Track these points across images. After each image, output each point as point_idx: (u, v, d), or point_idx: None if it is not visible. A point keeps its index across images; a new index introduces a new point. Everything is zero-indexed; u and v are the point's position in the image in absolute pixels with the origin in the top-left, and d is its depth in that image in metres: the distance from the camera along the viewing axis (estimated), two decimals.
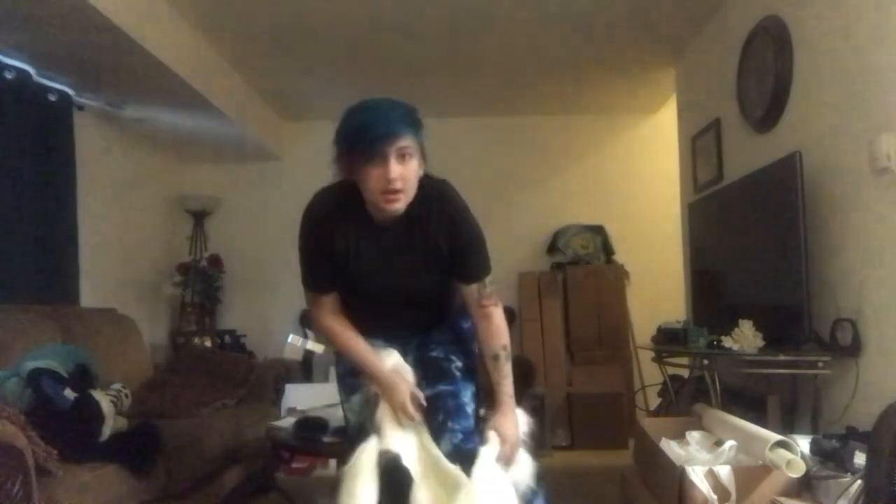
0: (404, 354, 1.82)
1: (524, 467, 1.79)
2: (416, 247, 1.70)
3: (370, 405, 1.74)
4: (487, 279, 1.78)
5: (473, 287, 1.77)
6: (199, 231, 5.41)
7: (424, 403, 1.74)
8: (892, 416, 1.67)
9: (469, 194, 1.81)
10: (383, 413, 1.73)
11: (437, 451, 1.69)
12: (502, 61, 4.47)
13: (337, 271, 1.73)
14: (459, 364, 1.86)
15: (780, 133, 3.09)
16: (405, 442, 1.70)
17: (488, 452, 1.70)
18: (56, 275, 3.59)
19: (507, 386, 1.79)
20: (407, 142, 1.56)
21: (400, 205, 1.60)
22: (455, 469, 1.64)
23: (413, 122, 1.59)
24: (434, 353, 1.87)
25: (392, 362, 1.77)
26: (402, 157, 1.56)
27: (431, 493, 1.64)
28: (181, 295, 5.17)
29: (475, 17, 3.80)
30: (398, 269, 1.73)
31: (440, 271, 1.75)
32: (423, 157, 1.64)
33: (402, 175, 1.55)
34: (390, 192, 1.56)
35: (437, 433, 1.73)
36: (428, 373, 1.83)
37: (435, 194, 1.70)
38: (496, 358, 1.80)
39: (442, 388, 1.80)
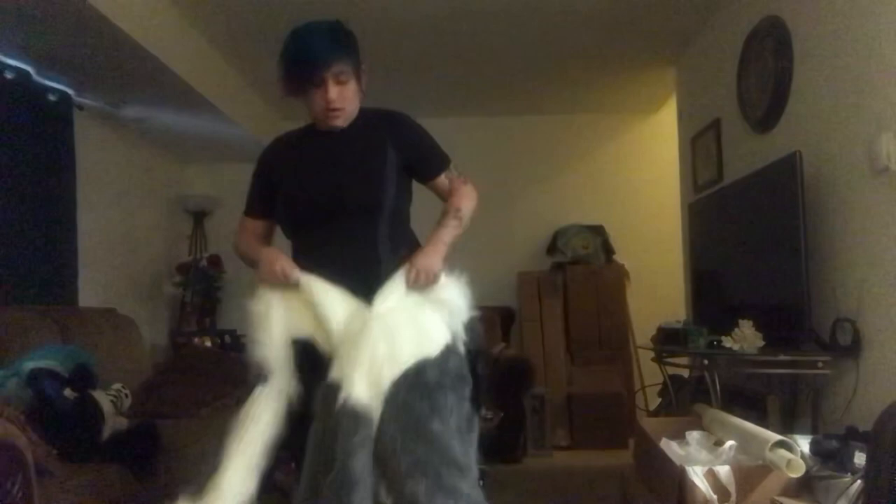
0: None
1: (451, 300, 1.70)
2: (358, 146, 1.79)
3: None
4: (452, 166, 1.87)
5: (443, 178, 1.86)
6: (198, 231, 5.40)
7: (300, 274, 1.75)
8: (892, 415, 1.67)
9: None
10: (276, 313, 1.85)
11: (345, 297, 1.67)
12: (502, 61, 4.47)
13: (275, 198, 1.82)
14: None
15: (780, 133, 3.09)
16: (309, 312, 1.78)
17: (393, 282, 1.67)
18: (56, 275, 3.59)
19: (441, 233, 1.75)
20: (342, 66, 1.71)
21: (340, 121, 1.77)
22: (359, 304, 1.65)
23: (348, 47, 1.74)
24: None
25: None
26: (339, 82, 1.71)
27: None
28: (181, 295, 5.17)
29: (474, 17, 3.79)
30: (338, 167, 1.77)
31: (380, 174, 1.77)
32: (360, 77, 1.78)
33: (339, 96, 1.72)
34: (331, 110, 1.73)
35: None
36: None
37: (378, 110, 1.86)
38: (445, 213, 1.81)
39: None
